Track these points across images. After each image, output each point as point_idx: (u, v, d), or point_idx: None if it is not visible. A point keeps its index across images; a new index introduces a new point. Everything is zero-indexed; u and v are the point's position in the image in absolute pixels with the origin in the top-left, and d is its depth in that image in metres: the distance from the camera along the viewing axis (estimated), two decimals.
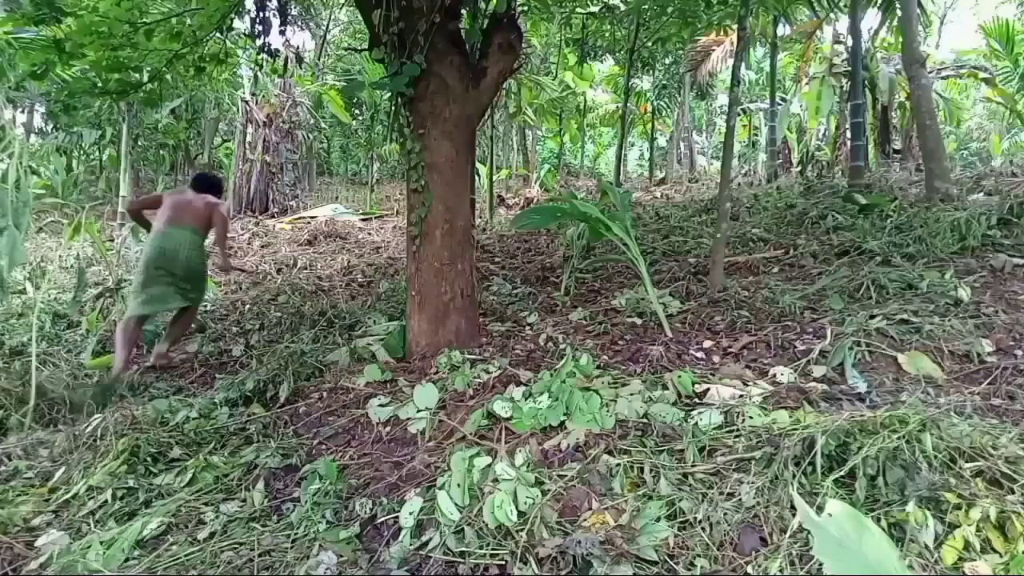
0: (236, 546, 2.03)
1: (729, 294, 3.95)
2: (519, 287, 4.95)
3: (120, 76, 4.72)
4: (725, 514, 1.81)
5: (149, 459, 2.63)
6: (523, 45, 4.52)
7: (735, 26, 6.76)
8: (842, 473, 1.82)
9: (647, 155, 19.25)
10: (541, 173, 17.81)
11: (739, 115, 6.44)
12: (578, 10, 7.96)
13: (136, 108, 10.46)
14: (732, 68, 4.61)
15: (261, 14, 4.42)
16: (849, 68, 8.13)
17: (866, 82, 8.84)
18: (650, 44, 9.63)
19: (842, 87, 9.79)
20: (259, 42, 4.49)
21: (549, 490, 2.04)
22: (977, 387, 2.47)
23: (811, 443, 1.92)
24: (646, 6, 7.54)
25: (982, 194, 5.32)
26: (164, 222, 4.02)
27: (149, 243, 4.01)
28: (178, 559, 1.98)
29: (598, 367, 2.94)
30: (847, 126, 9.09)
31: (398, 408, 2.82)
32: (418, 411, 2.75)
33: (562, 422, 2.44)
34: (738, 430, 2.23)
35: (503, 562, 1.79)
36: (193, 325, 4.60)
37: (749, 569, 1.64)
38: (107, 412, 2.99)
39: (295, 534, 2.06)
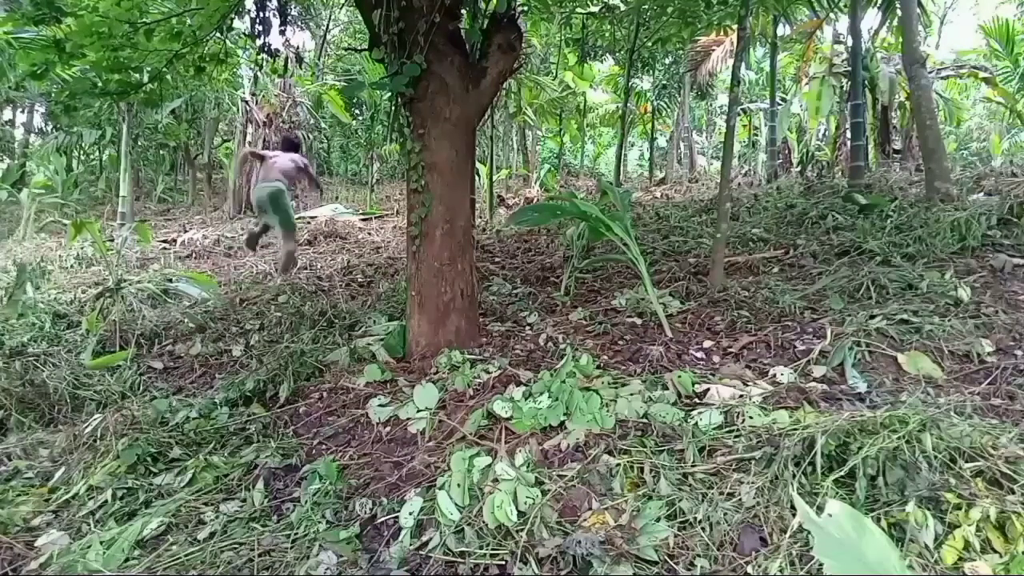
0: (236, 546, 2.03)
1: (729, 294, 3.95)
2: (519, 287, 4.95)
3: (120, 76, 4.71)
4: (725, 514, 1.81)
5: (149, 459, 2.63)
6: (523, 45, 4.51)
7: (735, 26, 6.77)
8: (842, 473, 1.82)
9: (647, 155, 19.24)
10: (541, 173, 17.80)
11: (739, 115, 6.44)
12: (578, 10, 7.95)
13: (136, 108, 10.45)
14: (732, 68, 4.60)
15: (261, 14, 4.41)
16: (849, 68, 8.12)
17: (866, 82, 8.83)
18: (650, 44, 9.61)
19: (842, 87, 9.78)
20: (259, 42, 4.48)
21: (549, 490, 2.04)
22: (977, 387, 2.47)
23: (811, 443, 1.92)
24: (646, 6, 7.55)
25: (982, 194, 5.31)
26: (261, 179, 6.13)
27: (254, 191, 6.26)
28: (178, 559, 1.98)
29: (598, 367, 2.94)
30: (847, 126, 9.08)
31: (398, 408, 2.82)
32: (418, 411, 2.75)
33: (562, 422, 2.44)
34: (738, 430, 2.23)
35: (503, 562, 1.79)
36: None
37: (749, 569, 1.64)
38: (107, 412, 2.99)
39: (295, 534, 2.07)
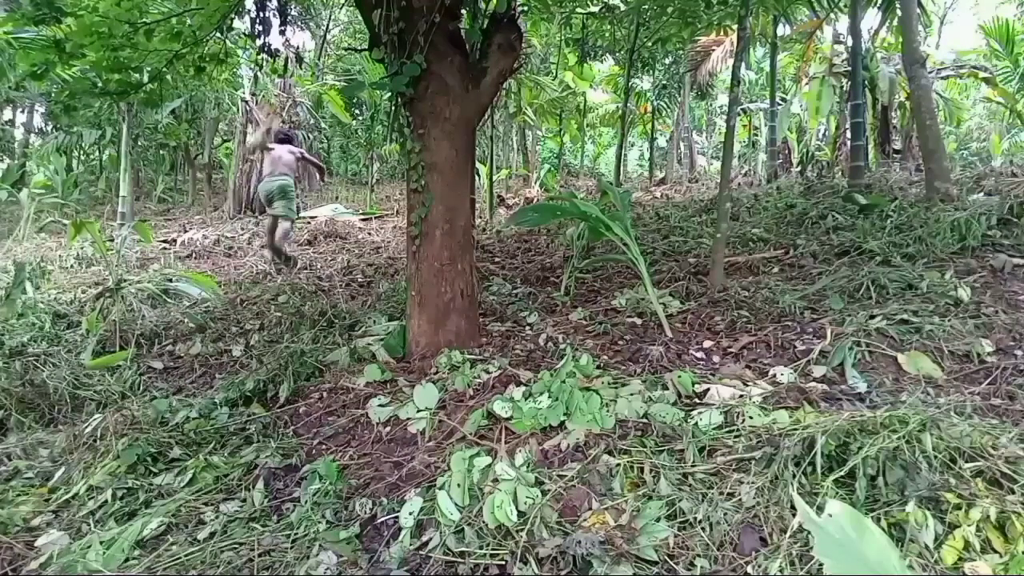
0: (236, 546, 2.03)
1: (729, 294, 3.95)
2: (519, 287, 4.95)
3: (120, 76, 4.70)
4: (725, 514, 1.81)
5: (149, 459, 2.63)
6: (523, 45, 4.51)
7: (735, 26, 6.77)
8: (842, 473, 1.82)
9: (647, 155, 19.23)
10: (541, 173, 17.78)
11: (739, 115, 6.43)
12: (578, 10, 7.95)
13: (136, 108, 10.45)
14: (732, 68, 4.61)
15: (261, 14, 4.41)
16: (849, 68, 8.12)
17: (866, 82, 8.83)
18: (650, 44, 9.61)
19: (842, 87, 9.78)
20: (259, 42, 4.48)
21: (549, 490, 2.04)
22: (977, 387, 2.47)
23: (811, 443, 1.92)
24: (646, 6, 7.54)
25: (982, 194, 5.31)
26: (267, 173, 6.80)
27: (261, 185, 6.87)
28: (178, 559, 1.98)
29: (598, 367, 2.94)
30: (847, 126, 9.07)
31: (398, 408, 2.82)
32: (418, 411, 2.75)
33: (562, 422, 2.44)
34: (738, 430, 2.23)
35: (503, 562, 1.79)
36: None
37: (749, 569, 1.64)
38: (107, 412, 2.99)
39: (295, 534, 2.07)
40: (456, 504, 2.05)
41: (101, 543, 2.06)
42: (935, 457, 1.78)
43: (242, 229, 9.98)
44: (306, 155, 7.29)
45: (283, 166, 6.79)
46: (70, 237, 5.65)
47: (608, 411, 2.44)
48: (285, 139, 7.30)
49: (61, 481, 2.54)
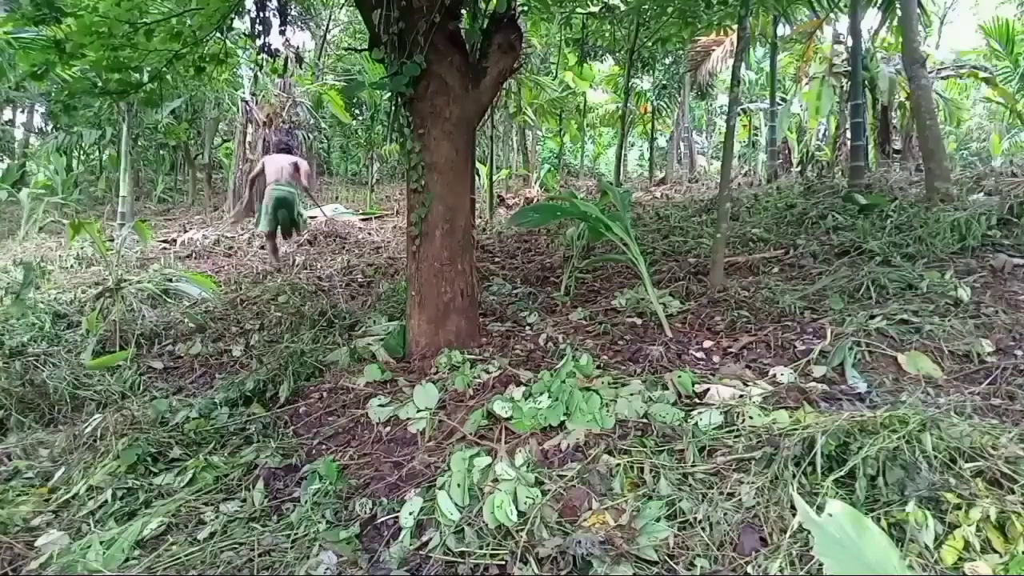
0: (236, 546, 2.03)
1: (729, 294, 3.95)
2: (519, 287, 4.95)
3: (120, 76, 4.70)
4: (725, 514, 1.81)
5: (149, 459, 2.63)
6: (523, 45, 4.52)
7: (735, 26, 6.77)
8: (842, 473, 1.82)
9: (647, 155, 19.22)
10: (541, 173, 17.78)
11: (739, 115, 6.44)
12: (578, 10, 7.94)
13: (136, 108, 10.45)
14: (732, 68, 4.61)
15: (261, 14, 4.41)
16: (849, 68, 8.12)
17: (866, 82, 8.83)
18: (650, 44, 9.60)
19: (842, 87, 9.77)
20: (259, 42, 4.48)
21: (549, 490, 2.04)
22: (977, 387, 2.47)
23: (811, 443, 1.92)
24: (646, 6, 7.54)
25: (982, 194, 5.31)
26: (273, 180, 6.83)
27: (268, 193, 6.85)
28: (178, 559, 1.98)
29: (598, 367, 2.94)
30: (847, 126, 9.07)
31: (398, 408, 2.82)
32: (418, 411, 2.75)
33: (562, 422, 2.44)
34: (738, 430, 2.23)
35: (503, 562, 1.79)
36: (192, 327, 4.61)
37: (749, 569, 1.64)
38: (107, 412, 2.99)
39: (295, 534, 2.07)
40: (456, 504, 2.04)
41: (101, 543, 2.06)
42: (935, 457, 1.78)
43: (242, 229, 9.97)
44: (300, 165, 7.30)
45: (287, 175, 6.99)
46: (70, 237, 5.66)
47: (608, 411, 2.44)
48: (285, 148, 7.45)
49: (61, 481, 2.54)
